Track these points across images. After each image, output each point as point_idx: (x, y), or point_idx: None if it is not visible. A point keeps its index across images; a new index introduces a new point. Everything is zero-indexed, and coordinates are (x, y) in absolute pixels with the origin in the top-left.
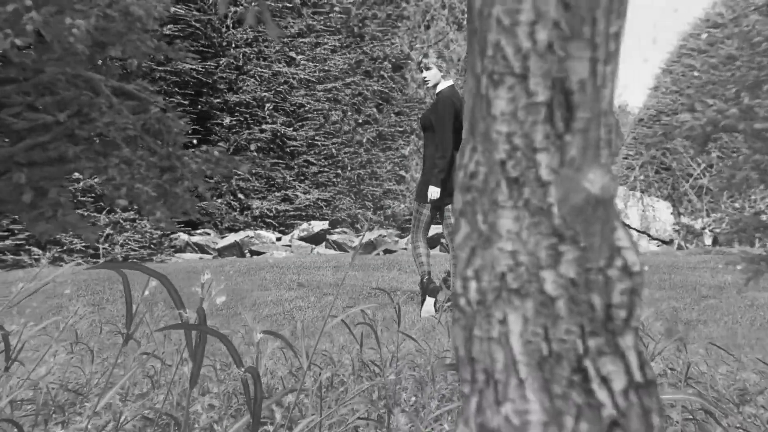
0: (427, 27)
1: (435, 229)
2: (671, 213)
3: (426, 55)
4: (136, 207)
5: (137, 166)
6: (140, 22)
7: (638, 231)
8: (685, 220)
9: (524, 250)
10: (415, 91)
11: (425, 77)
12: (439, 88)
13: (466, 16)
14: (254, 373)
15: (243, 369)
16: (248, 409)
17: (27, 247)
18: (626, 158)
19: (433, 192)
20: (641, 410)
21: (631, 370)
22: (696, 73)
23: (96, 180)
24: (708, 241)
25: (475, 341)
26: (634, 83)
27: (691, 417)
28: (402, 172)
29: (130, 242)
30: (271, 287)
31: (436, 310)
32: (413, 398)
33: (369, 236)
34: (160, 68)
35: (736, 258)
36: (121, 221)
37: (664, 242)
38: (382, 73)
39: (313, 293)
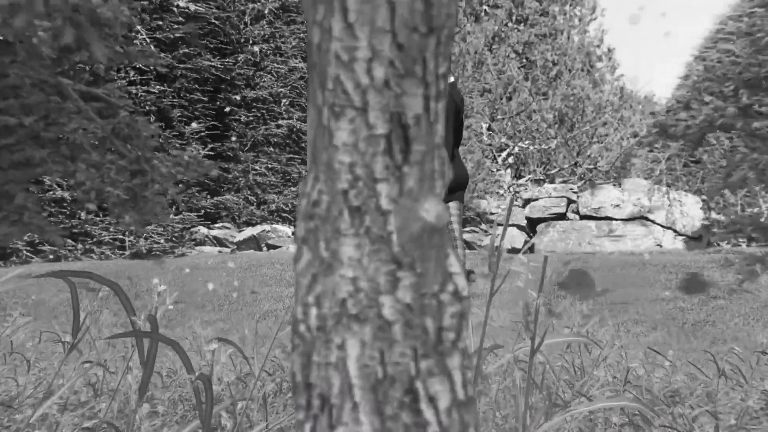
0: None
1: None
2: (700, 208)
3: None
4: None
5: (107, 170)
6: (108, 27)
7: (663, 227)
8: (715, 215)
9: (365, 276)
10: (459, 89)
11: None
12: None
13: (484, 7)
14: (205, 380)
15: (194, 376)
16: (198, 416)
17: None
18: (651, 151)
19: None
20: (461, 426)
21: (455, 388)
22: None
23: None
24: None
25: (313, 367)
26: (663, 74)
27: (628, 420)
28: None
29: (153, 235)
30: (271, 283)
31: None
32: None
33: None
34: (180, 66)
35: (733, 258)
36: None
37: (691, 238)
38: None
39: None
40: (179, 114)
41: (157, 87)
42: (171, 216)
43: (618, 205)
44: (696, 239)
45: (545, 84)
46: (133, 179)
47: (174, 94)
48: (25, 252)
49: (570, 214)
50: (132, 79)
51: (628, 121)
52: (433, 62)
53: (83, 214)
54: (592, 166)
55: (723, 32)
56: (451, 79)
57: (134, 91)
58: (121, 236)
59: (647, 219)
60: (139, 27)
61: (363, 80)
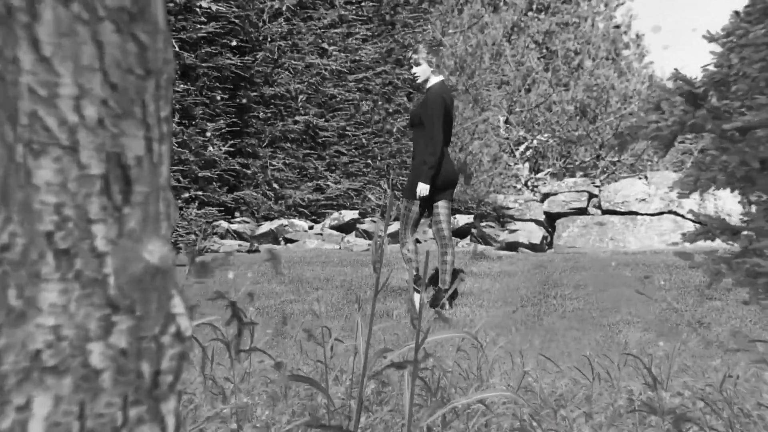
0: (461, 11)
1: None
2: (739, 202)
3: (416, 51)
4: (183, 197)
5: None
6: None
7: (695, 221)
8: (755, 209)
9: (71, 323)
10: (447, 78)
11: (415, 73)
12: (429, 84)
13: None
14: None
15: None
16: None
17: None
18: (683, 142)
19: (423, 189)
20: None
21: None
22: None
23: None
24: None
25: None
26: (692, 58)
27: (519, 425)
28: None
29: (178, 229)
30: (263, 281)
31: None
32: (266, 413)
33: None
34: (203, 65)
35: (701, 259)
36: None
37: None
38: (438, 58)
39: (304, 287)
40: (201, 112)
41: (181, 86)
42: (193, 210)
43: (644, 200)
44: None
45: (566, 74)
46: None
47: (196, 93)
48: None
49: (591, 209)
50: None
51: (625, 126)
52: (153, 105)
53: None
54: (616, 159)
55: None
56: (441, 77)
57: None
58: None
59: (677, 214)
60: None
61: (71, 118)
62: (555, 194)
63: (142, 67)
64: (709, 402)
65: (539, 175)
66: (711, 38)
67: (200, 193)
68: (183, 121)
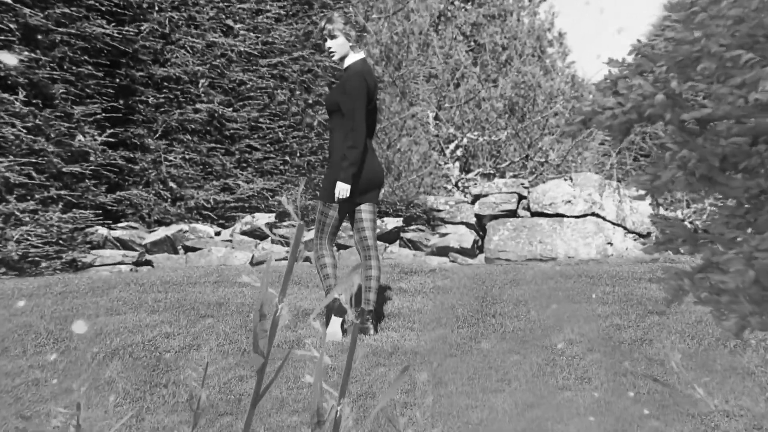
0: None
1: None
2: (649, 204)
3: (330, 20)
4: (38, 196)
5: None
6: None
7: (614, 224)
8: (663, 211)
9: None
10: (372, 68)
11: (330, 47)
12: (347, 62)
13: None
14: None
15: None
16: None
17: None
18: (602, 144)
19: (342, 189)
20: None
21: None
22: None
23: None
24: None
25: None
26: (609, 54)
27: None
28: None
29: (30, 237)
30: (125, 310)
31: (343, 332)
32: None
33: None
34: (60, 29)
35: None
36: (17, 212)
37: (641, 235)
38: (356, 32)
39: (186, 316)
40: (63, 91)
41: (25, 53)
42: (56, 214)
43: (569, 201)
44: (644, 236)
45: (495, 70)
46: None
47: (53, 66)
48: None
49: (521, 211)
50: None
51: (579, 111)
52: None
53: None
54: (543, 160)
55: (670, 20)
56: (361, 54)
57: None
58: None
59: (598, 216)
60: None
61: None
62: (485, 195)
63: None
64: None
65: (470, 176)
66: (671, 7)
67: (65, 192)
68: (35, 101)
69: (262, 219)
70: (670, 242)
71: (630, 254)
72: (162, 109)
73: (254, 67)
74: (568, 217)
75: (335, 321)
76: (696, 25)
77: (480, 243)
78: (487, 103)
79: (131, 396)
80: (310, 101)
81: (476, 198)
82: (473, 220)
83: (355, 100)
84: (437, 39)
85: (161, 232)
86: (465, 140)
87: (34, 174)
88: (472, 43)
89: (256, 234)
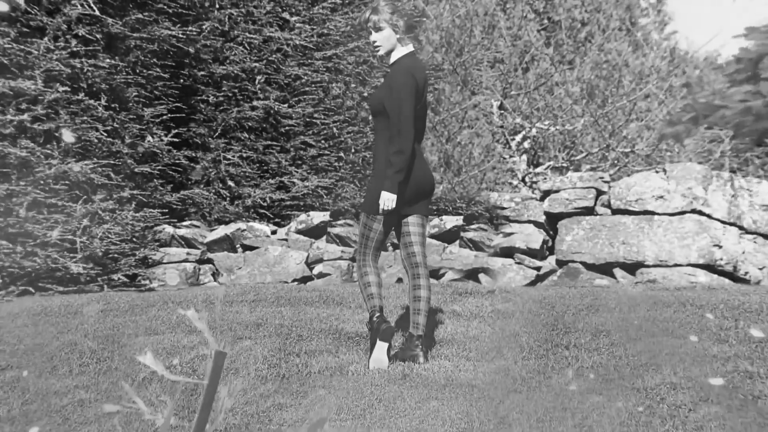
0: None
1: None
2: None
3: (375, 10)
4: (116, 196)
5: None
6: None
7: (723, 222)
8: None
9: None
10: (431, 56)
11: (374, 41)
12: (394, 57)
13: None
14: None
15: None
16: None
17: None
18: (710, 128)
19: (387, 200)
20: None
21: None
22: None
23: (69, 165)
24: None
25: None
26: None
27: None
28: None
29: (110, 235)
30: (164, 330)
31: (389, 360)
32: None
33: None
34: (134, 35)
35: None
36: (100, 211)
37: (765, 236)
38: (405, 21)
39: (224, 336)
40: (136, 94)
41: (107, 60)
42: (129, 212)
43: (662, 197)
44: None
45: (572, 50)
46: None
47: (128, 70)
48: None
49: (600, 208)
50: (75, 49)
51: (679, 92)
52: None
53: (22, 212)
54: (628, 149)
55: None
56: (410, 47)
57: (78, 65)
58: (70, 236)
59: (702, 213)
60: None
61: None
62: (557, 191)
63: None
64: None
65: (539, 170)
66: None
67: (138, 192)
68: (113, 105)
69: (316, 217)
70: None
71: (754, 259)
72: (221, 108)
73: (309, 61)
74: (659, 214)
75: (381, 346)
76: None
77: (550, 244)
78: (561, 88)
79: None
80: (366, 94)
81: (546, 194)
82: (542, 219)
83: (402, 99)
84: (504, 19)
85: (221, 231)
86: (534, 131)
87: (112, 175)
88: (545, 21)
89: (311, 232)
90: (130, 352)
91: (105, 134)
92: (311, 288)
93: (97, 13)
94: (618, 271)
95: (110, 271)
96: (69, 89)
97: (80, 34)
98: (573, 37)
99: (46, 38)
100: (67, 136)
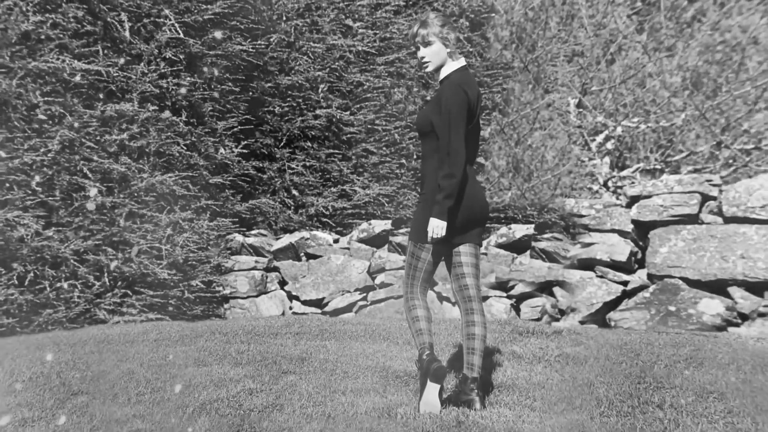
0: None
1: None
2: None
3: (424, 23)
4: (193, 206)
5: None
6: None
7: None
8: None
9: None
10: (500, 54)
11: (423, 57)
12: (444, 73)
13: None
14: None
15: None
16: None
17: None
18: None
19: (436, 227)
20: None
21: None
22: None
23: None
24: None
25: None
26: None
27: None
28: (481, 159)
29: (189, 243)
30: (211, 361)
31: (442, 403)
32: None
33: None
34: (211, 53)
35: None
36: (180, 221)
37: None
38: (457, 34)
39: (269, 370)
40: (211, 109)
41: (188, 79)
42: (204, 222)
43: None
44: None
45: (673, 33)
46: None
47: (205, 86)
48: (72, 260)
49: (706, 215)
50: (162, 70)
51: None
52: None
53: (122, 222)
54: (751, 146)
55: None
56: (462, 62)
57: (165, 85)
58: (157, 244)
59: None
60: (167, 11)
61: None
62: (648, 197)
63: None
64: None
65: (624, 173)
66: None
67: (211, 202)
68: (191, 120)
69: (378, 226)
70: None
71: None
72: (286, 118)
73: (371, 66)
74: None
75: (432, 388)
76: None
77: (639, 256)
78: (657, 79)
79: None
80: (428, 98)
81: (634, 200)
82: (629, 228)
83: (453, 117)
84: (586, 7)
85: (285, 240)
86: (619, 129)
87: (190, 186)
88: (638, 4)
89: (373, 241)
90: (181, 382)
91: (185, 148)
92: (356, 321)
93: (182, 35)
94: (735, 291)
95: (189, 277)
96: (157, 107)
97: (167, 57)
98: (675, 18)
99: (142, 63)
100: (93, 192)
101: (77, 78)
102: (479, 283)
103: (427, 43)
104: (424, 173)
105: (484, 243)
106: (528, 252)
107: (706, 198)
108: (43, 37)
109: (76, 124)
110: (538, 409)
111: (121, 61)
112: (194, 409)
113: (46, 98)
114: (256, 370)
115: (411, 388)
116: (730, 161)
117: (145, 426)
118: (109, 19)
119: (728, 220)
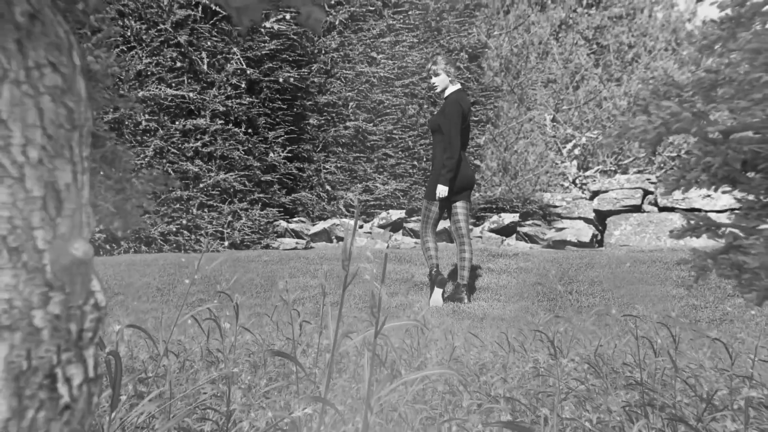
0: (507, 12)
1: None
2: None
3: (435, 62)
4: (248, 199)
5: (97, 188)
6: (95, 79)
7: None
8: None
9: (19, 297)
10: (492, 80)
11: (434, 83)
12: (447, 93)
13: None
14: (116, 355)
15: (106, 351)
16: (110, 385)
17: (182, 231)
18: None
19: (442, 190)
20: (88, 395)
21: (88, 370)
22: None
23: (221, 177)
24: None
25: None
26: None
27: (449, 389)
28: (477, 161)
29: (245, 228)
30: (298, 275)
31: (443, 300)
32: (248, 378)
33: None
34: (265, 79)
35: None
36: (238, 210)
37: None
38: (458, 64)
39: (335, 281)
40: (264, 122)
41: (247, 99)
42: (256, 211)
43: (709, 195)
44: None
45: (619, 69)
46: (117, 195)
47: (260, 104)
48: (159, 240)
49: (647, 206)
50: (229, 93)
51: (610, 132)
52: (78, 148)
53: (194, 210)
54: (674, 154)
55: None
56: (458, 86)
57: (230, 104)
58: (221, 228)
59: None
60: (235, 49)
61: (19, 159)
62: (606, 191)
63: (69, 123)
64: (592, 363)
65: (588, 173)
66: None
67: (262, 195)
68: (248, 131)
69: (394, 215)
70: (695, 230)
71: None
72: (322, 129)
73: (390, 88)
74: (707, 212)
75: (437, 291)
76: (718, 54)
77: (599, 237)
78: (609, 102)
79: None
80: (435, 112)
81: (595, 194)
82: (592, 216)
83: (451, 122)
84: (557, 46)
85: (320, 226)
86: (584, 139)
87: (246, 183)
88: (594, 46)
89: (390, 226)
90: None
91: (243, 153)
92: (390, 250)
93: (244, 66)
94: None
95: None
96: (224, 122)
97: (233, 83)
98: (621, 58)
99: (214, 88)
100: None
101: (168, 101)
102: (468, 225)
103: (436, 74)
104: (433, 156)
105: (479, 228)
106: (514, 235)
107: (646, 192)
108: (149, 72)
109: (164, 136)
110: (502, 300)
111: (199, 87)
112: (293, 300)
113: (146, 117)
114: (325, 281)
115: (424, 292)
116: (662, 165)
117: (262, 310)
118: (193, 57)
119: (661, 209)
